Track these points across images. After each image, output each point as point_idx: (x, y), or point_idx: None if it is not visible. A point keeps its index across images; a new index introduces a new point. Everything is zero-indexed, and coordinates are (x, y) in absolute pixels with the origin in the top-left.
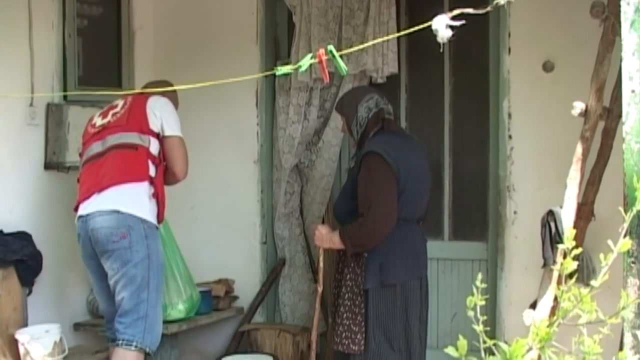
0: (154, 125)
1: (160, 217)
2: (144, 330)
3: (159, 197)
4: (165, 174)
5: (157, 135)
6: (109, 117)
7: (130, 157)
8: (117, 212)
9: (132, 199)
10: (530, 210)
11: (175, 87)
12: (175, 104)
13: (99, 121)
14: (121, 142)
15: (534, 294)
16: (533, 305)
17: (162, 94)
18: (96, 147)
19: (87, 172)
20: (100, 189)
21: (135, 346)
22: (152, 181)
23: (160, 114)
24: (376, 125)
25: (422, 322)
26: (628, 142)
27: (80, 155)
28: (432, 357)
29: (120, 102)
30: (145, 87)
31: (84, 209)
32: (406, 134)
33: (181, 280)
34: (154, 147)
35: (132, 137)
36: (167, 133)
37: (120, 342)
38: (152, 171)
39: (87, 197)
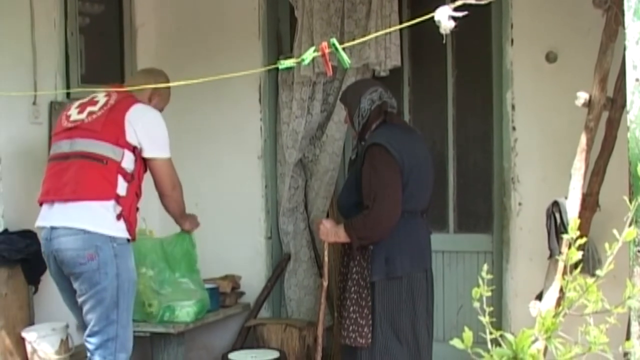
0: (132, 139)
1: (131, 235)
2: (115, 350)
3: (126, 217)
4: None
5: (133, 149)
6: (84, 115)
7: (98, 171)
8: (84, 231)
9: (98, 217)
10: (535, 201)
11: (176, 83)
12: (166, 100)
13: (74, 114)
14: (90, 151)
15: (539, 286)
16: (539, 297)
17: (150, 99)
18: (64, 146)
19: (50, 171)
20: (62, 199)
21: None
22: (118, 200)
23: (140, 135)
24: (378, 118)
25: (429, 314)
26: (632, 131)
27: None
28: (438, 350)
29: (102, 99)
30: (137, 76)
31: (46, 217)
32: (408, 127)
33: (192, 284)
34: (127, 161)
35: (103, 148)
36: (146, 155)
37: None
38: (120, 189)
39: (49, 202)
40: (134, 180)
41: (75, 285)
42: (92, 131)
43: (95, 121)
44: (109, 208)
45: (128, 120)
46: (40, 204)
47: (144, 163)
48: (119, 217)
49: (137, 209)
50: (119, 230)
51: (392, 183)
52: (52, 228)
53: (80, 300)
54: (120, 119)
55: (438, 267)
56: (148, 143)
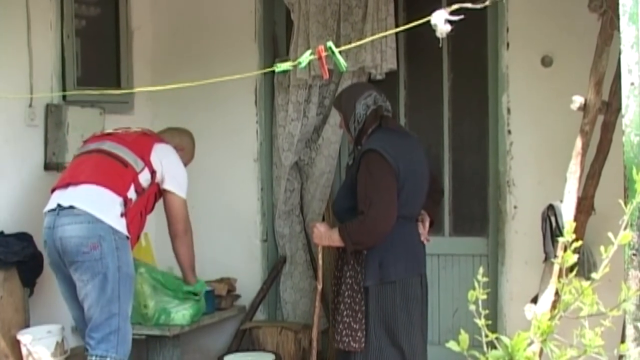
0: (155, 163)
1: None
2: (117, 344)
3: (127, 223)
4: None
5: (152, 172)
6: (119, 130)
7: (117, 169)
8: (89, 218)
9: (105, 205)
10: (530, 204)
11: (172, 86)
12: (188, 156)
13: (109, 130)
14: (115, 152)
15: (535, 289)
16: (534, 300)
17: (175, 149)
18: (91, 146)
19: (71, 164)
20: (77, 182)
21: None
22: (126, 201)
23: (165, 167)
24: (374, 123)
25: (423, 319)
26: (628, 135)
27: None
28: (433, 353)
29: (139, 129)
30: (164, 131)
31: (55, 199)
32: (404, 131)
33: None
34: (144, 177)
35: (128, 155)
36: (166, 186)
37: (93, 357)
38: (131, 194)
39: (63, 187)
40: (143, 195)
41: (76, 276)
42: (122, 139)
43: (128, 135)
44: (116, 202)
45: (155, 150)
46: (52, 192)
47: (157, 194)
48: (122, 215)
49: (139, 236)
50: (121, 225)
51: (388, 189)
52: (59, 209)
53: (81, 293)
54: (150, 143)
55: (433, 270)
56: (170, 177)
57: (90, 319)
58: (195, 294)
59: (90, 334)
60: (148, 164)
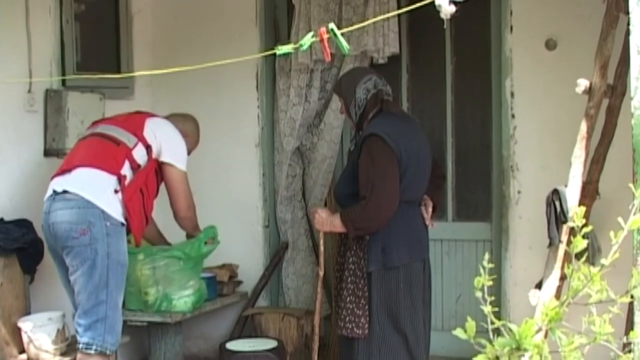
0: (149, 137)
1: (134, 233)
2: (104, 332)
3: (125, 203)
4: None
5: (147, 146)
6: (114, 116)
7: (109, 149)
8: (81, 202)
9: (98, 186)
10: (534, 189)
11: (172, 70)
12: (193, 143)
13: (105, 117)
14: (107, 133)
15: (538, 274)
16: (538, 286)
17: (181, 129)
18: (87, 132)
19: (69, 153)
20: (71, 168)
21: (95, 350)
22: (120, 179)
23: (160, 139)
24: (375, 107)
25: (425, 304)
26: (637, 117)
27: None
28: (437, 339)
29: (133, 111)
30: (170, 116)
31: (52, 186)
32: (406, 115)
33: (188, 274)
34: (138, 153)
35: (120, 134)
36: (164, 159)
37: (80, 345)
38: (125, 171)
39: (60, 174)
40: (140, 171)
41: (67, 261)
42: (114, 121)
43: (120, 116)
44: (110, 181)
45: (148, 124)
46: (52, 179)
47: (157, 171)
48: (116, 192)
49: (147, 218)
50: (114, 209)
51: (390, 174)
52: (54, 194)
53: (72, 278)
54: (142, 119)
55: (436, 255)
56: (167, 148)
57: (79, 305)
58: (211, 239)
59: (78, 320)
60: (142, 139)
